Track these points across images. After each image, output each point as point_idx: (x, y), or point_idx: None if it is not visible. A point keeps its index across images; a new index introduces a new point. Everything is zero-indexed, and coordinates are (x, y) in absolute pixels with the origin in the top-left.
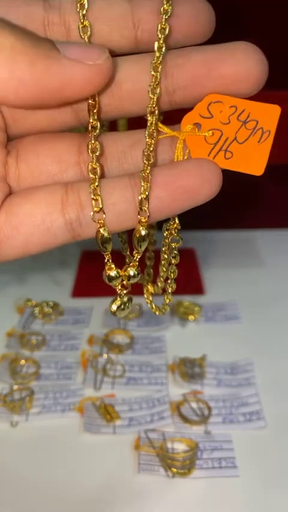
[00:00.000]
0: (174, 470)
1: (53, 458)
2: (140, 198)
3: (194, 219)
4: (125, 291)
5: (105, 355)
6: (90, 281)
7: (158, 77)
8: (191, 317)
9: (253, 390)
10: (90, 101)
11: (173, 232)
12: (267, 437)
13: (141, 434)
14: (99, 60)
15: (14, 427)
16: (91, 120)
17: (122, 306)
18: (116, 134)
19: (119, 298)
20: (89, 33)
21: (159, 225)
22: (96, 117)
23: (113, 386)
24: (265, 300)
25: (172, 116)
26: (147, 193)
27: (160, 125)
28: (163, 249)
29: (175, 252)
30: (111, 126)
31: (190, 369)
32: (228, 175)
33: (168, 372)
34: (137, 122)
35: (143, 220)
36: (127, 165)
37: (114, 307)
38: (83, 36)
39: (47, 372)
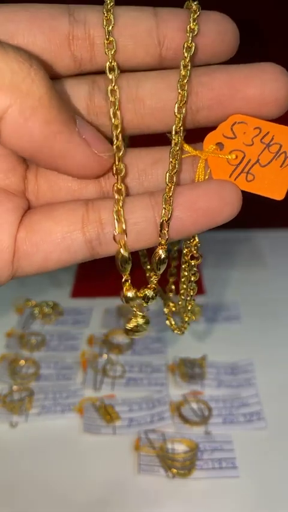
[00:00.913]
0: (175, 470)
1: (53, 459)
2: (161, 220)
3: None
4: (141, 313)
5: (105, 356)
6: (90, 281)
7: (185, 96)
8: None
9: (253, 391)
10: (113, 121)
11: (193, 249)
12: (268, 437)
13: (141, 434)
14: (103, 153)
15: (14, 428)
16: (115, 141)
17: (137, 328)
18: (137, 151)
19: (134, 319)
20: (114, 49)
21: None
22: (120, 137)
23: (113, 387)
24: (266, 300)
25: (194, 133)
26: (169, 216)
27: (183, 143)
28: (183, 266)
29: (194, 269)
30: None
31: (190, 370)
32: None
33: (168, 372)
34: (135, 141)
35: (163, 242)
36: (147, 183)
37: (128, 327)
38: (107, 53)
39: (47, 372)
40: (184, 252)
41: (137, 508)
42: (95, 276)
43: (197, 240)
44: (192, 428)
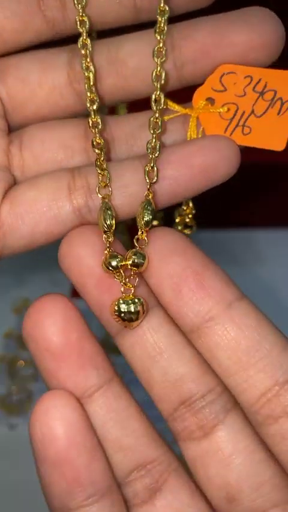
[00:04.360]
0: None
1: None
2: (146, 168)
3: (194, 218)
4: (132, 287)
5: None
6: None
7: (163, 41)
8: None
9: None
10: (86, 74)
11: (187, 218)
12: None
13: None
14: None
15: (13, 430)
16: (88, 94)
17: (129, 310)
18: (123, 116)
19: (121, 300)
20: (83, 2)
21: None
22: (93, 90)
23: None
24: (266, 301)
25: (182, 95)
26: (152, 165)
27: (170, 102)
28: None
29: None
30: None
31: None
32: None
33: None
34: (140, 110)
35: (149, 187)
36: (137, 148)
37: (123, 308)
38: (77, 7)
39: None
40: (177, 221)
41: None
42: None
43: (191, 206)
44: None
